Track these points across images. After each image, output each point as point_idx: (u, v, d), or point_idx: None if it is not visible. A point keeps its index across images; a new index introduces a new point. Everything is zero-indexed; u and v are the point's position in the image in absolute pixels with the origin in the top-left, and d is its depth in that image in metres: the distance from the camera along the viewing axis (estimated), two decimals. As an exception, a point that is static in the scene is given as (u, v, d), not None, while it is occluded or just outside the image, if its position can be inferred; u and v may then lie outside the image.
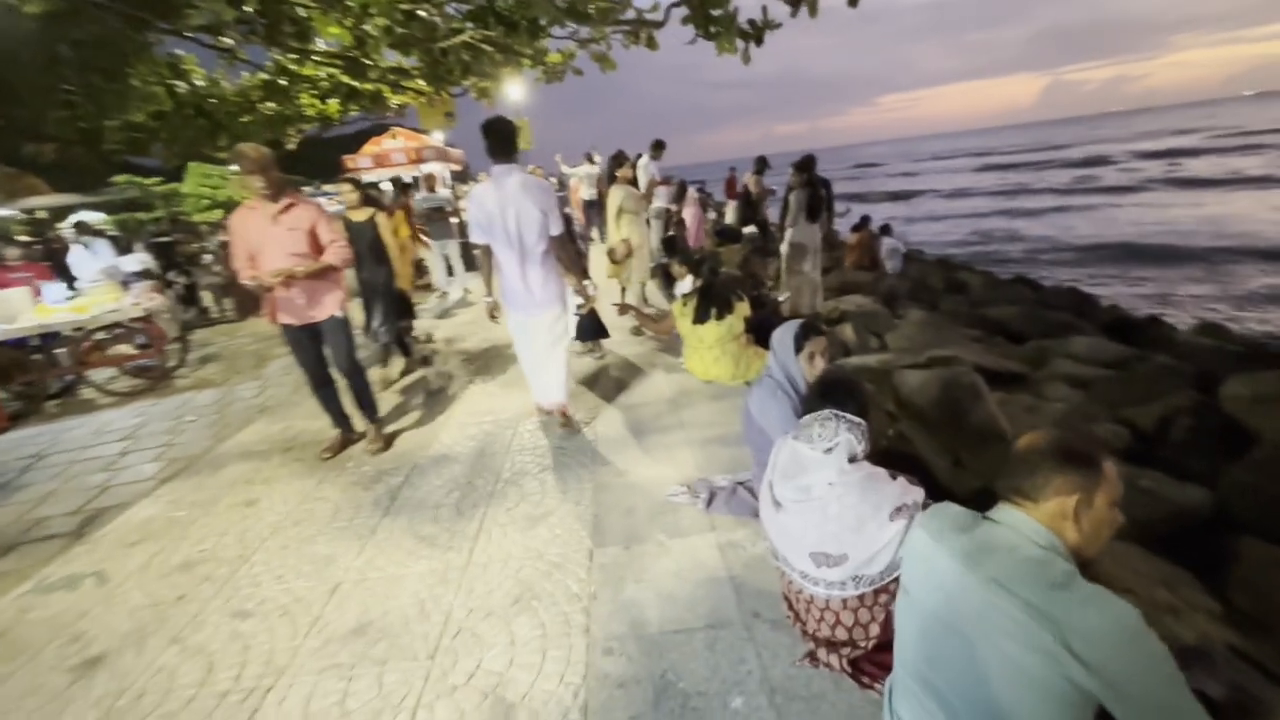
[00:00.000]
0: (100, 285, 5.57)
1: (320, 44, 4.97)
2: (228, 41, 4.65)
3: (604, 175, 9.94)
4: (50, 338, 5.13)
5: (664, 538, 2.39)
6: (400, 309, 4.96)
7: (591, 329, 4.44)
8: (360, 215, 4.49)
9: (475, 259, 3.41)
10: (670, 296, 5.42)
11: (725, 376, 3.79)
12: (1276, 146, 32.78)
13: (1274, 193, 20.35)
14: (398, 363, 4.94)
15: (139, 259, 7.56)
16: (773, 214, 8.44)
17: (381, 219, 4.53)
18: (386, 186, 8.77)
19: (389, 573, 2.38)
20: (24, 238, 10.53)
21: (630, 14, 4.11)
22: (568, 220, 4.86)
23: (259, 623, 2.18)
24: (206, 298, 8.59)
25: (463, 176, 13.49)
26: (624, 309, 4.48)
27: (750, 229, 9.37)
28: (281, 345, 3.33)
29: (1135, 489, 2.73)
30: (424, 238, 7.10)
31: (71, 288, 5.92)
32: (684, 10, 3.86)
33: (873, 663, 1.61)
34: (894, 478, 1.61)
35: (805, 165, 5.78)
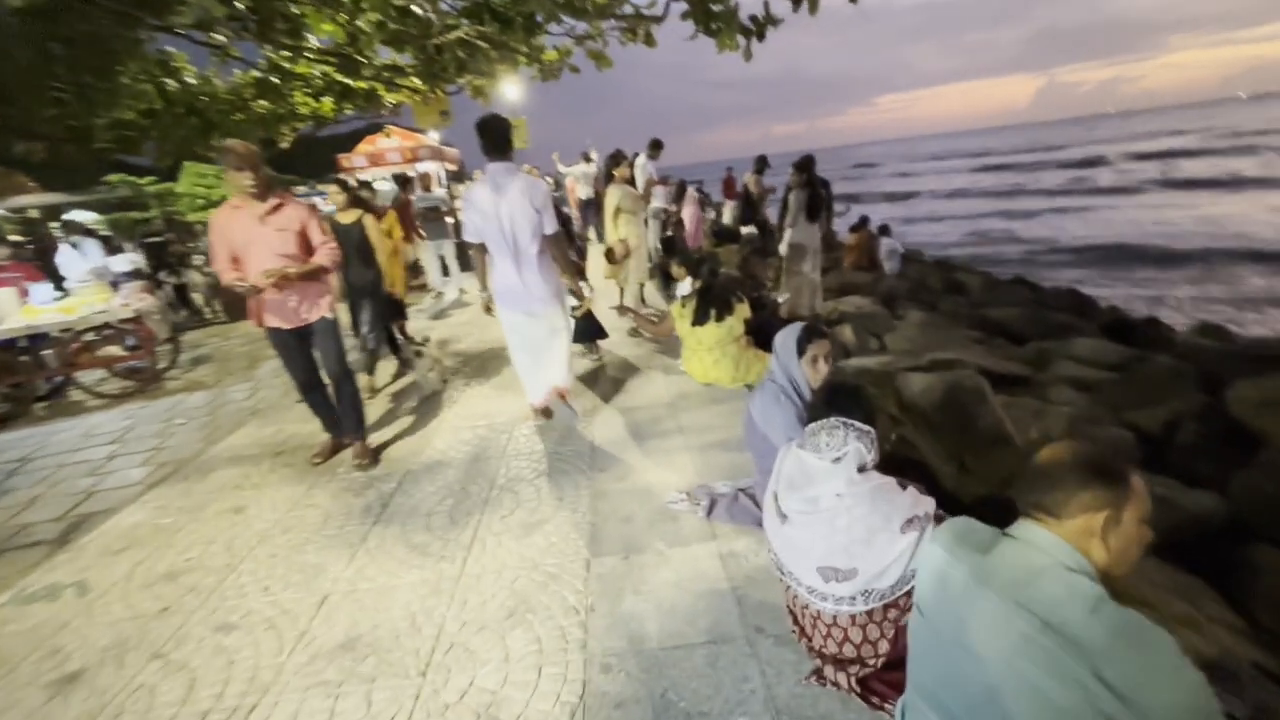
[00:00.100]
0: (89, 286, 5.47)
1: (313, 41, 4.89)
2: (219, 39, 4.56)
3: (601, 174, 9.88)
4: (38, 339, 5.03)
5: (663, 547, 2.33)
6: (390, 310, 4.89)
7: (588, 331, 4.36)
8: (348, 217, 4.41)
9: (471, 259, 3.34)
10: (670, 297, 5.36)
11: (725, 379, 3.73)
12: (1272, 148, 32.86)
13: (1270, 194, 20.38)
14: (384, 369, 4.86)
15: (129, 259, 7.47)
16: (772, 214, 8.39)
17: (369, 221, 4.45)
18: (384, 185, 8.64)
19: (379, 583, 2.31)
20: (15, 237, 10.41)
21: (628, 9, 4.04)
22: (565, 220, 4.79)
23: (244, 636, 2.10)
24: (198, 298, 8.51)
25: (458, 176, 13.38)
26: (623, 311, 4.42)
27: (750, 229, 9.33)
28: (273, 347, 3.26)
29: (1146, 495, 2.67)
30: (419, 236, 7.02)
31: (60, 288, 5.83)
32: (683, 6, 3.78)
33: (883, 681, 1.54)
34: (904, 488, 1.55)
35: (805, 165, 5.74)
